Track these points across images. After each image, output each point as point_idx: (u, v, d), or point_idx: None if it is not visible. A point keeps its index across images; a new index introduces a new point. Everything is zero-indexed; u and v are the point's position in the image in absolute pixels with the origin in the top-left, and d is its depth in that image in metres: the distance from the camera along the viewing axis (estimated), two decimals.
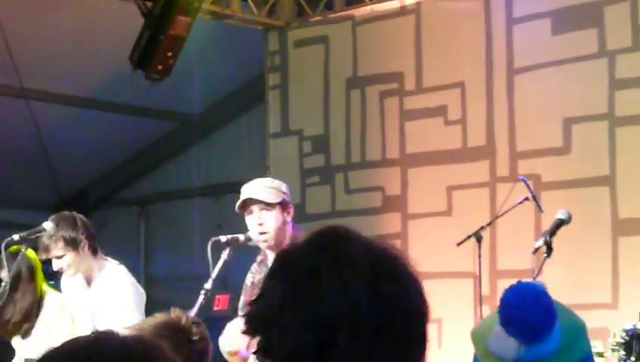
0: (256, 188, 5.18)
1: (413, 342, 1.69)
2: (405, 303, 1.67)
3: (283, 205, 5.14)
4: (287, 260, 1.72)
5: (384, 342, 1.63)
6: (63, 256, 5.63)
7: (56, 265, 5.71)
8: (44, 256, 5.70)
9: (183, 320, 3.40)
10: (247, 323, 1.72)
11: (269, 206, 5.10)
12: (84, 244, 5.64)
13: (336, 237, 1.72)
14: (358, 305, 1.63)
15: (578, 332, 2.52)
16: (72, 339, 1.57)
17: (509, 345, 2.20)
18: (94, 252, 5.74)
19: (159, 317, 3.46)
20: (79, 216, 5.77)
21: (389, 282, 1.66)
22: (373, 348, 1.62)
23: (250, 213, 5.10)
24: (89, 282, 5.81)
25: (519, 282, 2.32)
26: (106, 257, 5.89)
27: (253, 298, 1.74)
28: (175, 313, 3.46)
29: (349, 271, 1.65)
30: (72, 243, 5.60)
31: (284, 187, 5.23)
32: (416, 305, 1.70)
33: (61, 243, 5.61)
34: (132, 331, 3.24)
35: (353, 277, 1.64)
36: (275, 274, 1.72)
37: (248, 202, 5.12)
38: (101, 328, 5.63)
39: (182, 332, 3.34)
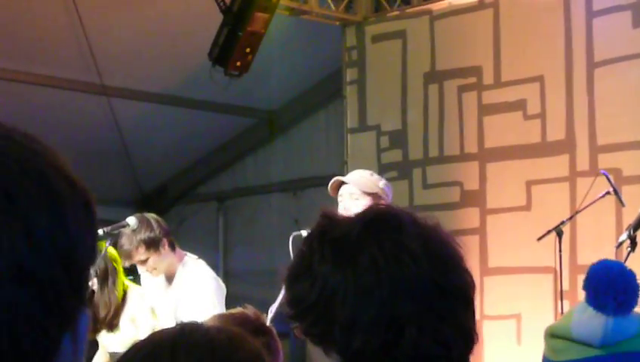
0: (355, 174, 5.19)
1: (471, 325, 1.72)
2: (462, 291, 1.71)
3: (375, 198, 5.11)
4: (340, 247, 1.70)
5: (448, 329, 1.67)
6: (146, 259, 5.69)
7: (142, 270, 5.78)
8: (127, 263, 5.76)
9: (257, 318, 3.40)
10: (295, 307, 1.72)
11: (361, 194, 5.08)
12: (164, 242, 5.71)
13: (391, 226, 1.71)
14: (422, 302, 1.65)
15: None
16: (158, 331, 1.60)
17: (597, 323, 2.19)
18: (173, 247, 5.81)
19: (232, 313, 3.48)
20: (151, 216, 5.83)
21: (447, 273, 1.69)
22: (441, 338, 1.65)
23: (341, 197, 5.08)
24: (170, 278, 5.88)
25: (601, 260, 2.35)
26: (185, 252, 5.95)
27: (293, 274, 1.73)
28: (249, 310, 3.46)
29: (411, 266, 1.66)
30: (153, 245, 5.66)
31: (382, 183, 5.21)
32: (469, 291, 1.73)
33: (142, 248, 5.67)
34: None
35: (415, 272, 1.66)
36: (324, 259, 1.69)
37: (342, 185, 5.11)
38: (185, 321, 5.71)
39: (255, 330, 3.34)
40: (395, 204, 4.94)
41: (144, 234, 5.65)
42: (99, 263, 5.64)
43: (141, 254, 5.67)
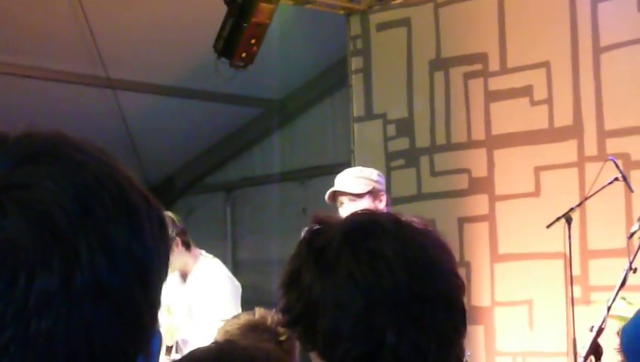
0: (345, 179, 5.20)
1: (456, 331, 1.75)
2: (444, 298, 1.72)
3: (373, 194, 5.14)
4: (321, 257, 1.73)
5: (429, 339, 1.69)
6: None
7: None
8: None
9: (269, 321, 3.39)
10: (287, 315, 1.76)
11: (356, 196, 5.10)
12: (177, 241, 5.72)
13: (369, 236, 1.73)
14: (400, 310, 1.67)
15: None
16: (195, 350, 1.61)
17: None
18: (187, 246, 5.81)
19: (243, 318, 3.46)
20: (167, 214, 5.84)
21: (427, 279, 1.71)
22: (420, 346, 1.68)
23: (341, 204, 5.11)
24: (184, 276, 5.89)
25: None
26: (200, 251, 5.95)
27: (285, 283, 1.77)
28: (260, 313, 3.45)
29: (388, 276, 1.68)
30: None
31: (374, 175, 5.22)
32: (453, 295, 1.74)
33: None
34: (219, 335, 3.27)
35: (392, 282, 1.68)
36: (309, 269, 1.73)
37: (337, 194, 5.14)
38: (198, 322, 5.73)
39: (268, 333, 3.34)
40: (377, 210, 4.95)
41: None
42: None
43: None
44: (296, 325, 1.74)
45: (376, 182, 5.20)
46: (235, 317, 3.61)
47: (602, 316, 5.01)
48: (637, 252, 5.21)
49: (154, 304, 1.02)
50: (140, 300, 0.99)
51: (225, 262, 12.22)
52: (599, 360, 4.97)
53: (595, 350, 4.91)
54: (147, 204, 1.03)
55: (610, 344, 5.78)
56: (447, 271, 1.75)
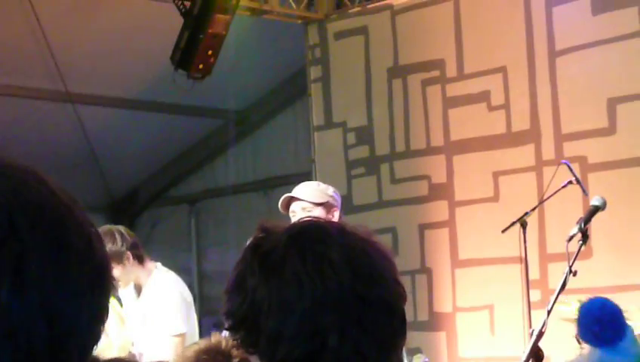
0: (301, 188, 5.20)
1: (396, 337, 1.77)
2: (385, 303, 1.74)
3: (327, 207, 5.13)
4: (266, 260, 1.75)
5: (370, 341, 1.71)
6: None
7: None
8: None
9: (224, 344, 3.47)
10: (230, 320, 1.78)
11: (311, 205, 5.10)
12: (128, 255, 5.70)
13: (315, 239, 1.75)
14: (343, 313, 1.69)
15: None
16: None
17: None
18: (140, 260, 5.79)
19: (202, 343, 3.55)
20: (116, 228, 5.81)
21: (370, 284, 1.72)
22: (361, 348, 1.70)
23: (294, 214, 5.10)
24: (139, 290, 5.89)
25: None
26: (156, 263, 5.94)
27: (230, 288, 1.78)
28: (216, 337, 3.53)
29: (333, 279, 1.69)
30: (116, 257, 5.64)
31: (331, 190, 5.22)
32: (395, 302, 1.76)
33: None
34: (178, 360, 3.37)
35: (337, 284, 1.69)
36: (253, 273, 1.74)
37: (291, 201, 5.12)
38: (150, 335, 5.73)
39: (221, 356, 3.41)
40: (322, 219, 4.97)
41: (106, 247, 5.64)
42: None
43: None
44: (240, 328, 1.75)
45: (331, 196, 5.19)
46: (196, 343, 3.69)
47: (542, 320, 5.03)
48: (577, 255, 5.24)
49: (60, 341, 0.97)
50: (40, 341, 0.95)
51: (190, 273, 12.25)
52: None
53: (536, 354, 4.92)
54: (87, 248, 1.01)
55: (560, 348, 5.82)
56: (390, 277, 1.77)
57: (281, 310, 1.69)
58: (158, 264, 5.99)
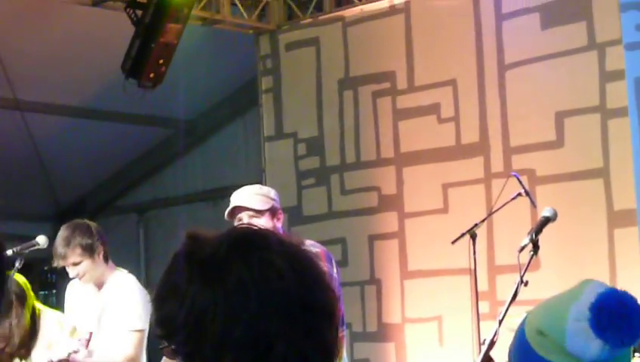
0: (245, 195, 5.20)
1: (334, 341, 1.79)
2: (327, 309, 1.76)
3: (272, 211, 5.16)
4: (207, 267, 1.73)
5: (315, 348, 1.72)
6: (80, 262, 5.71)
7: (72, 273, 5.78)
8: (61, 264, 5.74)
9: None
10: (164, 327, 1.74)
11: (258, 213, 5.12)
12: (100, 251, 5.72)
13: (257, 245, 1.75)
14: (289, 318, 1.70)
15: None
16: None
17: (593, 345, 2.13)
18: (106, 259, 5.81)
19: None
20: (92, 224, 5.83)
21: (313, 291, 1.74)
22: (306, 354, 1.71)
23: (240, 221, 5.11)
24: (99, 286, 5.88)
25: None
26: (116, 266, 5.94)
27: (160, 295, 1.75)
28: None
29: (278, 284, 1.70)
30: (89, 250, 5.67)
31: (272, 193, 5.25)
32: (333, 309, 1.78)
33: (78, 250, 5.68)
34: None
35: (282, 290, 1.70)
36: (192, 280, 1.72)
37: (237, 210, 5.14)
38: (107, 330, 5.71)
39: None
40: (268, 225, 4.98)
41: (82, 239, 5.66)
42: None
43: (76, 256, 5.68)
44: (176, 336, 1.71)
45: (274, 200, 5.21)
46: None
47: (494, 329, 5.08)
48: (528, 265, 5.28)
49: None
50: None
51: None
52: None
53: None
54: None
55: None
56: (326, 285, 1.78)
57: (227, 317, 1.68)
58: (119, 267, 6.00)
